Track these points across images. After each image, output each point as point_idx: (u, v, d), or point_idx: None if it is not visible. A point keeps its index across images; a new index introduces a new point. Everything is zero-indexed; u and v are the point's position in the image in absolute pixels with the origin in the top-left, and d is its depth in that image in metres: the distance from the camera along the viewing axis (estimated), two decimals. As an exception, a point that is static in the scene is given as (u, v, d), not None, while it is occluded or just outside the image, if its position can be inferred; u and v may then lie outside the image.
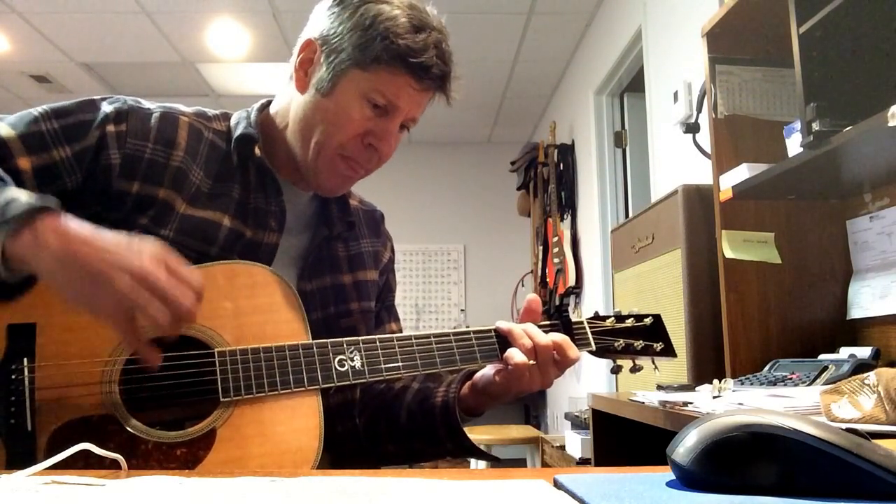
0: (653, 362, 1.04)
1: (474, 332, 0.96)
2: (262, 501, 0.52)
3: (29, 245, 0.73)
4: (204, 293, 0.79)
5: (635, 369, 1.04)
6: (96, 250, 0.73)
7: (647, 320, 1.04)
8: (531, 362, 0.92)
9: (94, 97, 0.95)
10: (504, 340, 0.95)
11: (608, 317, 1.04)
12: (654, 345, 1.03)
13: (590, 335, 1.01)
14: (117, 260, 0.73)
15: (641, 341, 1.02)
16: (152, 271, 0.73)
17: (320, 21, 0.98)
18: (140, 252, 0.74)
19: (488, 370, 0.98)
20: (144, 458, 0.80)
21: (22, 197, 0.76)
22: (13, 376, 0.79)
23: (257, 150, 0.99)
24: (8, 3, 3.78)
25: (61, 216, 0.76)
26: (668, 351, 1.03)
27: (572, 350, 0.94)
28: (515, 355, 0.92)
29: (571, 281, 4.22)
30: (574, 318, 1.02)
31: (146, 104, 0.97)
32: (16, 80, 4.78)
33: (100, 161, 0.90)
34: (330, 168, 0.98)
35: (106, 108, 0.93)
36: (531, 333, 0.94)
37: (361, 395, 1.08)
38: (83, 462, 0.65)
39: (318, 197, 1.08)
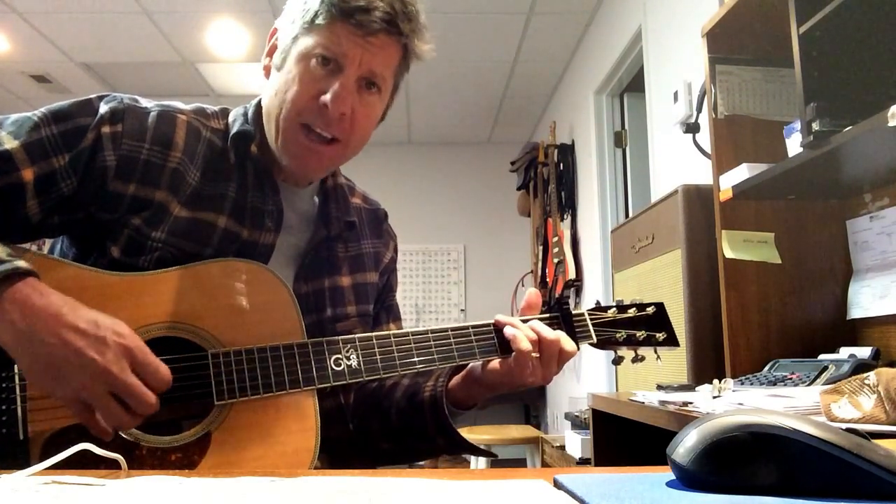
0: (655, 352, 1.03)
1: (473, 327, 0.95)
2: (262, 501, 0.52)
3: None
4: (196, 293, 0.79)
5: (637, 360, 1.02)
6: (59, 338, 0.73)
7: (650, 310, 1.03)
8: (535, 354, 0.91)
9: (91, 96, 0.94)
10: (503, 336, 0.94)
11: (609, 307, 1.03)
12: (657, 334, 1.02)
13: (591, 327, 1.00)
14: (78, 353, 0.72)
15: (644, 331, 1.01)
16: (111, 369, 0.73)
17: (284, 11, 1.00)
18: (105, 342, 0.73)
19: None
20: (139, 463, 0.79)
21: None
22: (3, 384, 0.78)
23: (254, 148, 0.98)
24: (8, 3, 3.77)
25: (32, 285, 0.75)
26: (671, 340, 1.02)
27: (568, 344, 0.94)
28: (522, 341, 0.91)
29: (571, 276, 4.22)
30: (574, 310, 1.01)
31: (143, 103, 0.96)
32: (16, 80, 4.78)
33: (95, 163, 0.89)
34: (295, 142, 0.94)
35: (102, 108, 0.91)
36: (537, 328, 0.93)
37: (354, 397, 1.07)
38: (83, 462, 0.64)
39: (319, 195, 1.07)
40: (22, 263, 0.75)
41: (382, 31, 0.92)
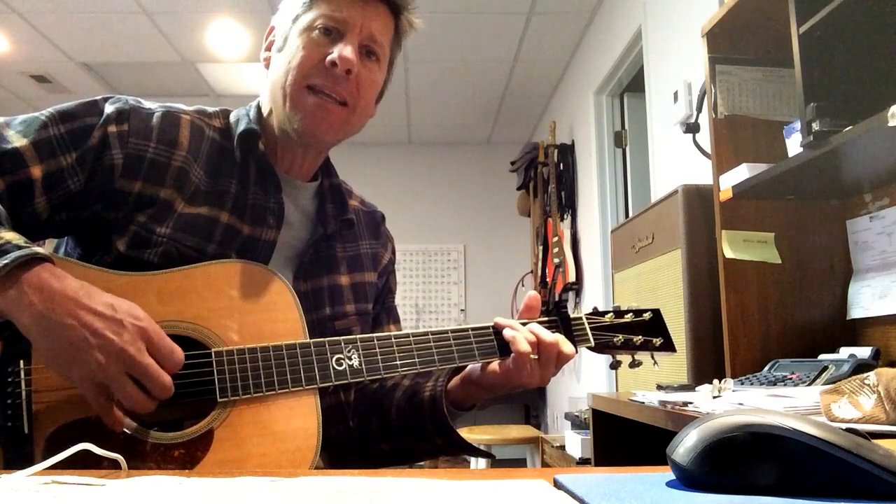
0: (652, 357, 1.04)
1: (473, 329, 0.96)
2: (262, 501, 0.52)
3: (11, 300, 0.74)
4: (201, 296, 0.79)
5: (634, 364, 1.04)
6: (78, 319, 0.74)
7: (647, 315, 1.04)
8: (534, 355, 0.92)
9: (97, 98, 0.96)
10: (503, 338, 0.95)
11: (607, 312, 1.04)
12: (654, 340, 1.03)
13: (588, 331, 1.01)
14: (95, 334, 0.73)
15: (640, 336, 1.02)
16: (128, 350, 0.74)
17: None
18: (122, 324, 0.75)
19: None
20: (142, 459, 0.80)
21: (11, 240, 0.76)
22: (9, 378, 0.79)
23: (261, 146, 1.00)
24: (8, 3, 3.78)
25: (49, 269, 0.76)
26: (668, 346, 1.03)
27: (567, 346, 0.95)
28: (521, 343, 0.92)
29: (571, 278, 4.22)
30: (573, 314, 1.02)
31: (147, 104, 0.98)
32: (16, 80, 4.78)
33: (102, 161, 0.91)
34: (302, 106, 0.97)
35: (108, 108, 0.94)
36: (536, 331, 0.95)
37: (355, 395, 1.07)
38: (83, 462, 0.64)
39: (318, 194, 1.08)
40: (39, 249, 0.77)
41: None
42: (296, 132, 0.98)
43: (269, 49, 1.04)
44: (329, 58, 0.95)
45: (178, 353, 0.78)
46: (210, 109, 1.03)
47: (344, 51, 0.95)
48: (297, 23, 0.99)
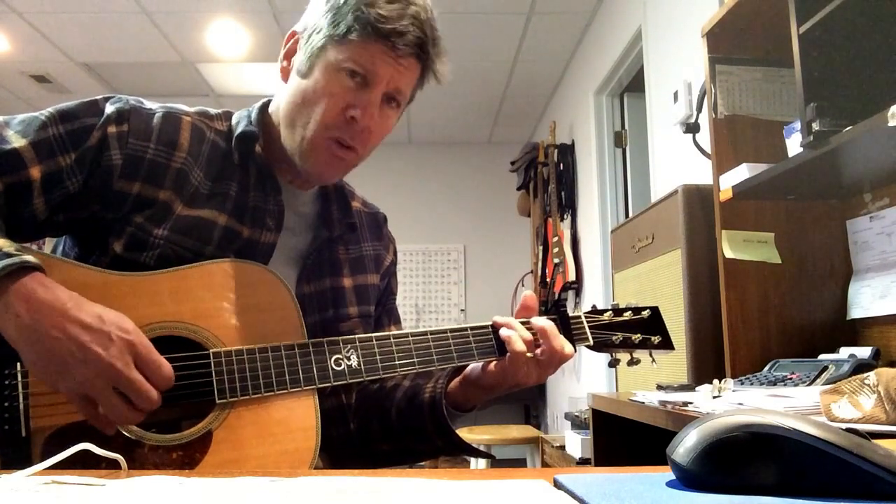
0: (650, 355, 1.04)
1: (472, 328, 0.96)
2: (262, 501, 0.52)
3: None
4: (198, 297, 0.79)
5: (633, 362, 1.04)
6: (64, 332, 0.73)
7: (645, 313, 1.04)
8: (529, 354, 0.92)
9: (97, 97, 0.95)
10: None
11: (605, 310, 1.04)
12: (652, 338, 1.03)
13: (587, 329, 1.01)
14: (82, 347, 0.73)
15: (639, 334, 1.02)
16: (115, 365, 0.73)
17: (305, 15, 1.00)
18: (109, 338, 0.74)
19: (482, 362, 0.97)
20: (140, 461, 0.80)
21: (2, 248, 0.76)
22: (6, 381, 0.79)
23: (258, 148, 0.99)
24: (8, 3, 3.77)
25: (38, 279, 0.76)
26: (666, 344, 1.03)
27: (566, 346, 0.95)
28: (517, 342, 0.92)
29: (571, 278, 4.22)
30: (572, 313, 1.02)
31: (148, 104, 0.97)
32: (16, 80, 4.78)
33: (101, 161, 0.90)
34: (318, 151, 0.95)
35: (108, 108, 0.93)
36: (542, 326, 0.95)
37: (356, 395, 1.07)
38: (83, 462, 0.64)
39: (320, 197, 1.08)
40: (30, 258, 0.76)
41: (413, 54, 0.94)
42: (304, 170, 0.98)
43: (287, 57, 1.00)
44: (350, 112, 0.92)
45: (167, 368, 0.78)
46: (212, 111, 1.02)
47: (367, 108, 0.93)
48: (325, 54, 0.93)
